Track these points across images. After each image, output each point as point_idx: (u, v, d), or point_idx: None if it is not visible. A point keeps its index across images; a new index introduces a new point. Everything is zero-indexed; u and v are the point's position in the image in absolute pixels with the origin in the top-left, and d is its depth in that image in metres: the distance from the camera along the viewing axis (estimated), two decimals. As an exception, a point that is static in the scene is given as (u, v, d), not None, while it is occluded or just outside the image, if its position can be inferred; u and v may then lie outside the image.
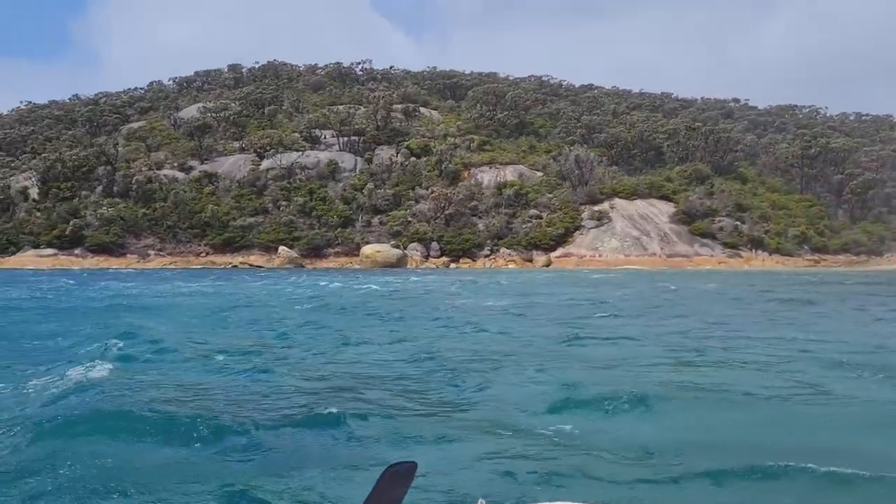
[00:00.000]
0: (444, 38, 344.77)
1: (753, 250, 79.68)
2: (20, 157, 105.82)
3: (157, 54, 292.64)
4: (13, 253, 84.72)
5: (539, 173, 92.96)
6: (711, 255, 78.15)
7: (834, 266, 75.20)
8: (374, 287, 36.80)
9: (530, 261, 78.53)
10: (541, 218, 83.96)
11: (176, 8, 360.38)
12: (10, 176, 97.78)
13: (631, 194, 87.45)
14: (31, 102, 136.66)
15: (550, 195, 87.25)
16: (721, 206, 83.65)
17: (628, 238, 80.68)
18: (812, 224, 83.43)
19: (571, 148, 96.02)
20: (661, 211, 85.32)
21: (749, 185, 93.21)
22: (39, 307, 24.51)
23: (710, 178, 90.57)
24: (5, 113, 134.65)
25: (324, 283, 41.76)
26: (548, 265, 76.56)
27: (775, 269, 71.67)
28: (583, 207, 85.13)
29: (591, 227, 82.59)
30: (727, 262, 76.52)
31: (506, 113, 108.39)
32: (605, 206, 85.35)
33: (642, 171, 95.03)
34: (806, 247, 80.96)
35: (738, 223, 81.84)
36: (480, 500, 2.47)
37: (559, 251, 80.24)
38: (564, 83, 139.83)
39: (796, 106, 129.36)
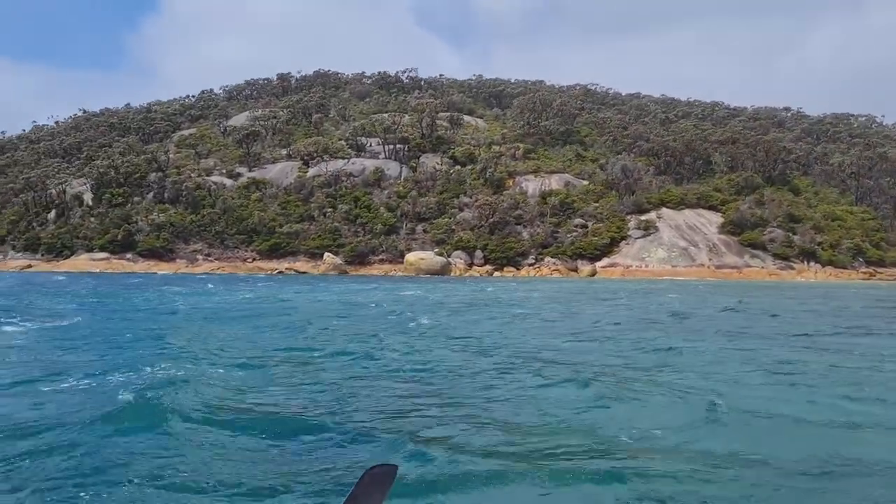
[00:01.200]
0: (486, 51, 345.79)
1: (806, 262, 77.66)
2: (75, 164, 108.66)
3: (208, 65, 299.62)
4: (67, 256, 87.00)
5: (585, 182, 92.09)
6: (762, 267, 76.36)
7: (890, 279, 72.85)
8: (461, 294, 36.79)
9: (575, 270, 77.73)
10: (586, 227, 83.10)
11: (226, 22, 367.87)
12: (66, 182, 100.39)
13: (679, 204, 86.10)
14: (86, 111, 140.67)
15: (596, 204, 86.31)
16: (772, 217, 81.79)
17: (676, 248, 79.33)
18: (868, 236, 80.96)
19: (618, 157, 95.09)
20: (709, 221, 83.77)
21: (802, 195, 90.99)
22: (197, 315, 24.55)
23: (760, 187, 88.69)
24: (62, 120, 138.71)
25: (409, 292, 40.35)
26: (593, 275, 75.65)
27: (830, 281, 69.65)
28: (629, 217, 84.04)
29: (638, 237, 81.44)
30: (778, 274, 74.67)
31: (551, 121, 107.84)
32: (652, 215, 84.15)
33: (690, 180, 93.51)
34: (860, 259, 78.60)
35: (790, 234, 79.88)
36: None
37: (604, 261, 79.24)
38: (611, 91, 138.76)
39: (851, 115, 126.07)
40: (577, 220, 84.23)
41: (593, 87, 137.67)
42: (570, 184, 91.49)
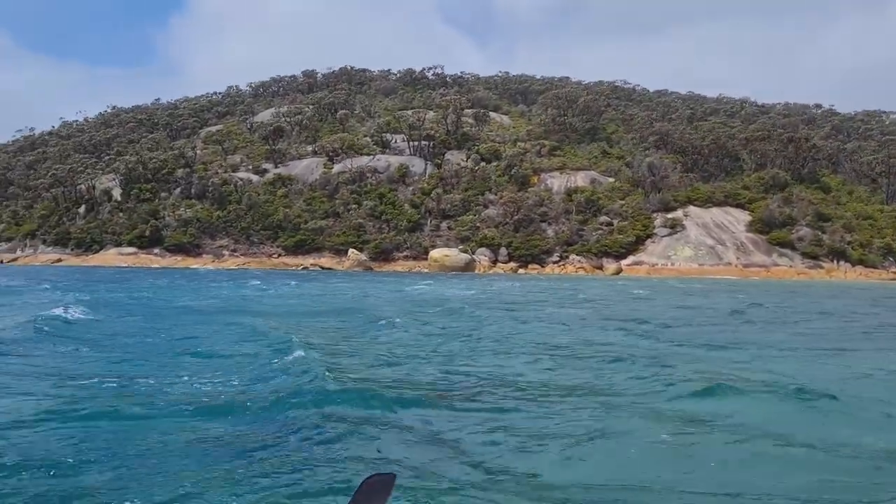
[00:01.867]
0: (509, 48, 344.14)
1: (835, 262, 76.50)
2: (104, 159, 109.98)
3: (234, 63, 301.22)
4: (97, 251, 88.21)
5: (611, 179, 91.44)
6: (790, 266, 75.38)
7: (923, 280, 71.55)
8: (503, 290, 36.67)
9: (600, 268, 77.27)
10: (612, 225, 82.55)
11: (252, 20, 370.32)
12: (95, 177, 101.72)
13: (706, 202, 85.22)
14: (115, 107, 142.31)
15: (622, 202, 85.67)
16: (801, 215, 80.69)
17: (703, 247, 78.56)
18: (899, 235, 79.60)
19: (645, 154, 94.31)
20: (737, 219, 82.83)
21: (831, 193, 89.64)
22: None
23: (789, 185, 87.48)
24: (91, 117, 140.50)
25: (455, 289, 39.58)
26: (618, 273, 75.17)
27: (861, 281, 68.54)
28: (655, 215, 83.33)
29: (664, 236, 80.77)
30: (807, 273, 73.65)
31: (577, 118, 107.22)
32: (679, 213, 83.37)
33: (718, 178, 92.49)
34: (891, 258, 77.28)
35: (819, 233, 78.75)
36: None
37: (630, 259, 78.68)
38: (638, 88, 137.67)
39: (883, 112, 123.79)
40: (603, 218, 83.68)
41: (620, 84, 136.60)
42: (596, 181, 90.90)
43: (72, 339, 15.32)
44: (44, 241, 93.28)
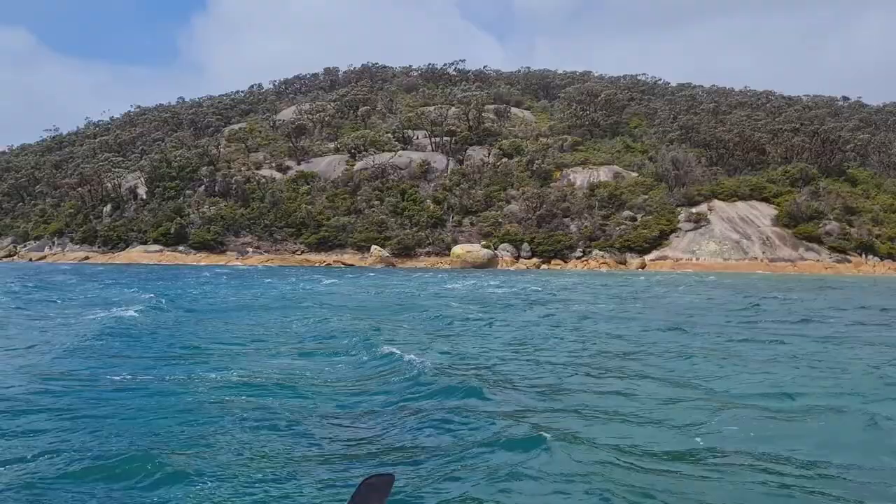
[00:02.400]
0: (529, 44, 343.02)
1: (864, 255, 75.35)
2: (130, 158, 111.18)
3: (255, 62, 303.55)
4: (123, 248, 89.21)
5: (634, 174, 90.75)
6: (817, 261, 74.31)
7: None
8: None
9: (623, 263, 76.76)
10: (635, 220, 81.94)
11: (272, 20, 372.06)
12: (121, 176, 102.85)
13: (730, 196, 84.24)
14: (139, 106, 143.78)
15: (645, 196, 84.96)
16: (828, 209, 79.56)
17: (727, 241, 77.71)
18: (929, 229, 78.19)
19: (668, 148, 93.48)
20: (762, 213, 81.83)
21: (859, 186, 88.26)
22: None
23: (816, 179, 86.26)
24: (116, 116, 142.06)
25: (491, 287, 39.46)
26: (642, 268, 74.66)
27: (891, 276, 67.41)
28: (679, 209, 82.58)
29: (688, 230, 80.00)
30: (835, 267, 72.58)
31: (599, 112, 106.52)
32: (703, 207, 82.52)
33: (743, 171, 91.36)
34: (922, 252, 75.95)
35: (847, 227, 77.59)
36: None
37: (654, 254, 78.07)
38: (660, 82, 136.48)
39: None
40: (626, 213, 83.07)
41: (642, 77, 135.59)
42: (619, 176, 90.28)
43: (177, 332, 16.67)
44: (71, 239, 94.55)
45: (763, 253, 76.28)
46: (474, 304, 26.40)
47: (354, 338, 15.14)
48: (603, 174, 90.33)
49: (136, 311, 19.94)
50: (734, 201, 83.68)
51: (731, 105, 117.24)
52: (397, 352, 12.51)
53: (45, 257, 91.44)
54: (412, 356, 12.02)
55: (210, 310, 23.00)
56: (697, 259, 76.02)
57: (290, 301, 26.83)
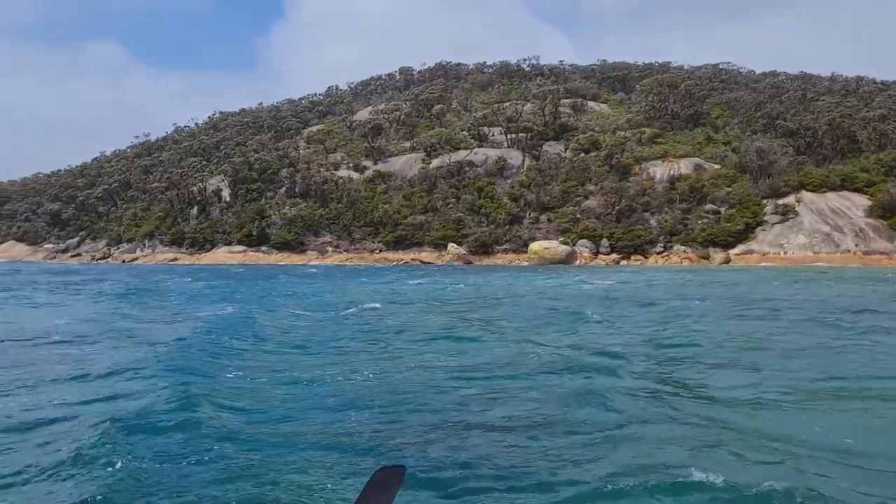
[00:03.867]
0: (598, 38, 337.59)
1: (967, 247, 71.14)
2: (213, 161, 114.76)
3: (331, 65, 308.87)
4: (209, 250, 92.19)
5: (716, 166, 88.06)
6: (915, 253, 70.57)
7: None
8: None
9: (706, 258, 74.66)
10: (718, 213, 79.56)
11: (346, 25, 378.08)
12: (206, 179, 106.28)
13: (820, 186, 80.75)
14: (222, 111, 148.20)
15: (729, 189, 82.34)
16: (927, 198, 75.39)
17: (817, 234, 74.61)
18: None
19: (752, 138, 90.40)
20: (855, 204, 78.15)
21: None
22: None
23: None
24: (201, 122, 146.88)
25: (586, 284, 39.25)
26: (727, 262, 72.47)
27: None
28: (765, 202, 79.69)
29: (775, 223, 77.18)
30: (935, 260, 68.81)
31: (679, 104, 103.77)
32: (791, 199, 79.43)
33: (833, 161, 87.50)
34: None
35: (949, 217, 73.36)
36: None
37: (739, 248, 75.66)
38: (744, 70, 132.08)
39: None
40: (709, 206, 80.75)
41: (725, 66, 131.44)
42: (701, 168, 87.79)
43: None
44: (161, 241, 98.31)
45: (856, 246, 72.92)
46: (596, 301, 26.46)
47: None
48: (683, 167, 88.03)
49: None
50: (824, 192, 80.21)
51: (818, 92, 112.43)
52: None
53: (136, 259, 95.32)
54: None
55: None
56: (785, 253, 73.32)
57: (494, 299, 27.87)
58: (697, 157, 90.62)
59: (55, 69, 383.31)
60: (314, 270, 58.44)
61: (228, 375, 11.51)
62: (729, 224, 77.10)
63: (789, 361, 12.54)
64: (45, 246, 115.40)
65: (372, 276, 49.66)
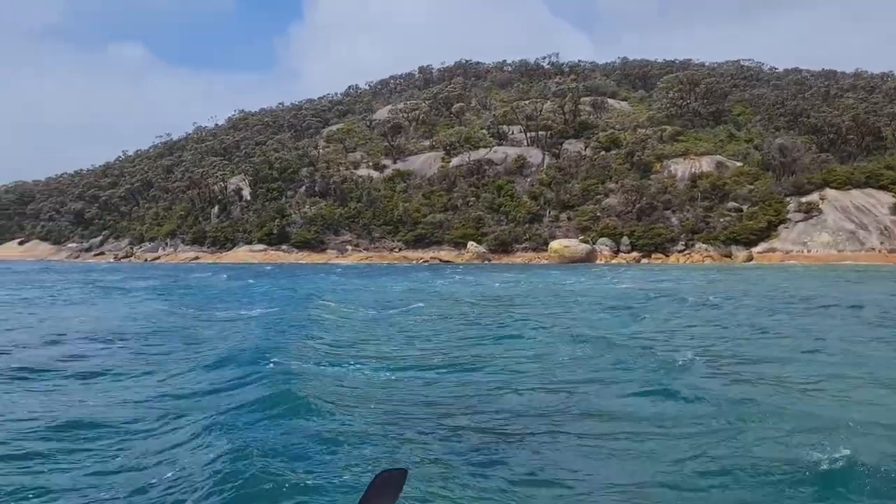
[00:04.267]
0: (617, 35, 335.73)
1: None
2: (234, 161, 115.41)
3: (350, 64, 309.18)
4: (230, 248, 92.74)
5: (738, 164, 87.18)
6: (942, 251, 69.48)
7: None
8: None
9: (729, 256, 74.00)
10: (741, 211, 78.80)
11: (364, 24, 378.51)
12: (227, 178, 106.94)
13: (844, 184, 79.68)
14: (242, 111, 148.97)
15: (751, 186, 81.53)
16: (955, 196, 74.21)
17: (842, 232, 73.67)
18: None
19: (775, 135, 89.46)
20: (880, 202, 77.07)
21: None
22: None
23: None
24: (221, 121, 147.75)
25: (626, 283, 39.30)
26: (749, 261, 71.77)
27: None
28: (788, 199, 78.82)
29: (799, 221, 76.31)
30: (963, 258, 67.69)
31: (700, 101, 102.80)
32: (814, 197, 78.47)
33: (857, 158, 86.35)
34: None
35: (977, 214, 72.18)
36: None
37: (761, 246, 74.89)
38: (766, 67, 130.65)
39: None
40: (731, 204, 80.00)
41: (747, 63, 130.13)
42: (722, 165, 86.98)
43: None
44: (182, 240, 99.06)
45: (881, 244, 71.95)
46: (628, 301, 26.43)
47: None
48: (705, 164, 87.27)
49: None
50: (848, 189, 79.16)
51: (842, 88, 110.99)
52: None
53: (158, 258, 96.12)
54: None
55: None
56: (809, 251, 72.48)
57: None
58: (719, 154, 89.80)
59: (79, 70, 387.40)
60: (340, 270, 58.79)
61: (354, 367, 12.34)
62: (751, 222, 76.36)
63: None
64: (69, 245, 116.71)
65: (400, 275, 50.08)
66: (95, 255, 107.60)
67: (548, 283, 39.76)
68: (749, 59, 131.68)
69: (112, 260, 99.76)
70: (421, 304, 25.08)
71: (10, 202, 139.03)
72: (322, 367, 12.00)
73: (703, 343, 15.03)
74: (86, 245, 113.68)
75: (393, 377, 11.43)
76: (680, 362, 12.07)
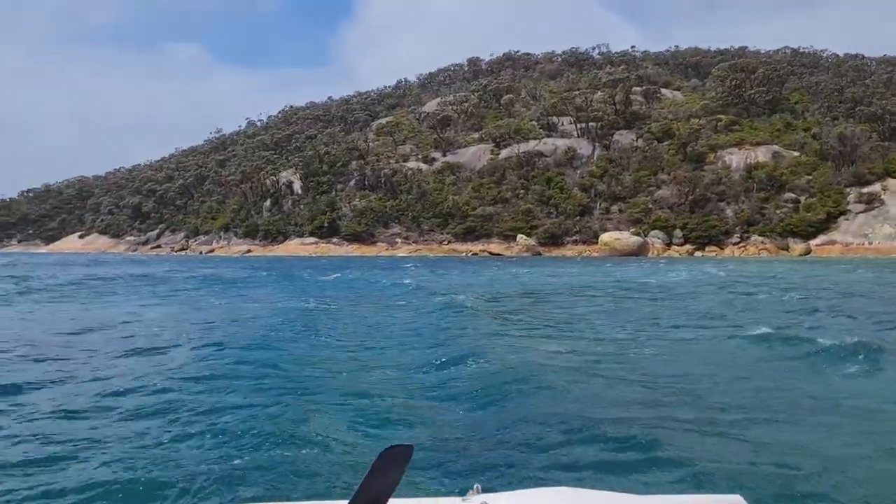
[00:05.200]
0: (666, 27, 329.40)
1: None
2: (285, 155, 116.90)
3: (401, 59, 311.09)
4: (282, 241, 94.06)
5: (795, 153, 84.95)
6: None
7: None
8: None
9: (786, 249, 72.30)
10: (798, 202, 76.86)
11: (413, 20, 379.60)
12: (278, 172, 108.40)
13: (908, 173, 77.10)
14: (293, 105, 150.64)
15: (809, 177, 79.43)
16: None
17: (906, 223, 71.29)
18: None
19: (834, 123, 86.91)
20: (946, 192, 74.40)
21: None
22: None
23: None
24: (272, 116, 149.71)
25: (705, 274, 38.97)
26: (807, 254, 70.05)
27: None
28: (848, 190, 76.56)
29: (859, 212, 74.10)
30: None
31: (756, 90, 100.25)
32: (876, 187, 76.07)
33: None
34: None
35: None
36: (476, 485, 2.81)
37: (820, 238, 72.99)
38: (825, 53, 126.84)
39: None
40: (788, 195, 78.08)
41: (804, 49, 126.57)
42: (779, 155, 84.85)
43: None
44: (235, 234, 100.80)
45: (947, 235, 69.46)
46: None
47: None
48: (761, 154, 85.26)
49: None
50: (913, 179, 76.58)
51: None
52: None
53: (213, 250, 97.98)
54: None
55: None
56: (871, 243, 70.33)
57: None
58: (776, 144, 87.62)
59: (137, 70, 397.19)
60: (410, 265, 56.49)
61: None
62: (809, 213, 74.48)
63: None
64: (127, 238, 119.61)
65: (468, 268, 49.90)
66: (152, 248, 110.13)
67: (620, 276, 38.92)
68: (807, 46, 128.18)
69: (168, 253, 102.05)
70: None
71: (70, 197, 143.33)
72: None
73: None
74: (143, 238, 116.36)
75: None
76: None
